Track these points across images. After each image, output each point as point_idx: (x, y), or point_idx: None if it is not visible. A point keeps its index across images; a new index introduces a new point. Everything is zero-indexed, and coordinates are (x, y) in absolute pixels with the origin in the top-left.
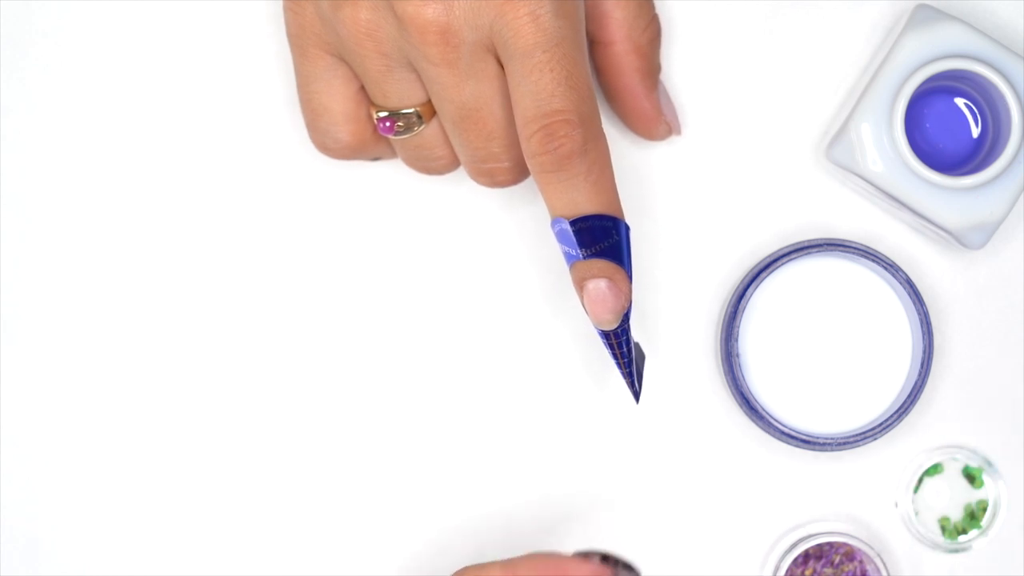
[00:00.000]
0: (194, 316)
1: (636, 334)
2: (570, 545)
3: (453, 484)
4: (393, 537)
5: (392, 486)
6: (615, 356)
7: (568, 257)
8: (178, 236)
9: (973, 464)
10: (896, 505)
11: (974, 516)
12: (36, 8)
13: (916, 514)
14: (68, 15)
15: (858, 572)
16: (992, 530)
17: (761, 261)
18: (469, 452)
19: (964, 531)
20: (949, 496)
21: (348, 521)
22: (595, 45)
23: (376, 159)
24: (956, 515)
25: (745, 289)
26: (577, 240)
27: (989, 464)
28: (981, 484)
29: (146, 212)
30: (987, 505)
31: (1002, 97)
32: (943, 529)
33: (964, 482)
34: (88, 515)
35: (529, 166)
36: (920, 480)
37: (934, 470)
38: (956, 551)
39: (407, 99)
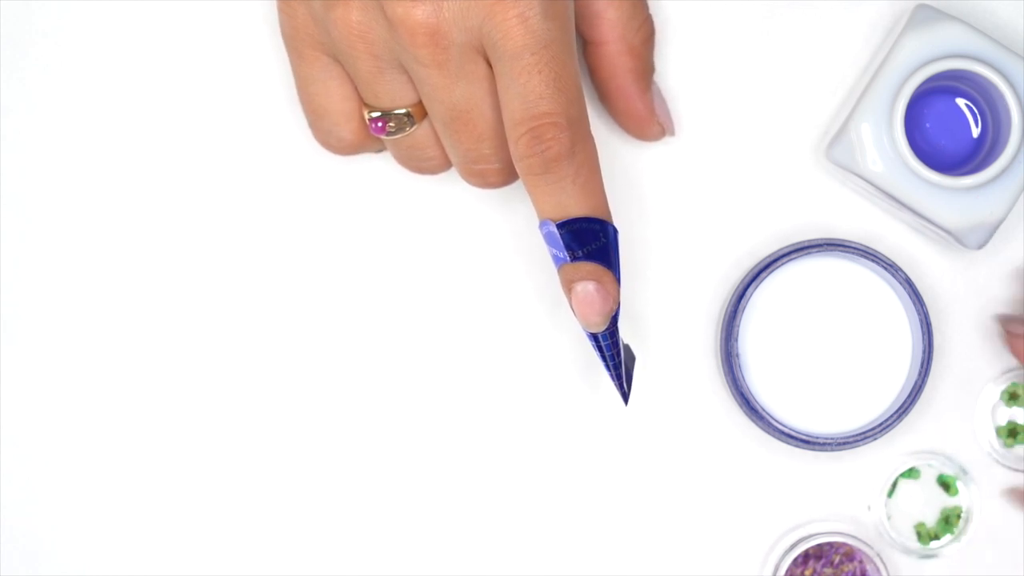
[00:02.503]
0: (193, 316)
1: (636, 335)
2: (569, 546)
3: (446, 485)
4: (388, 537)
5: (383, 484)
6: (603, 358)
7: (556, 259)
8: (176, 236)
9: (948, 472)
10: (868, 508)
11: (948, 521)
12: (36, 8)
13: (888, 518)
14: (68, 15)
15: (858, 572)
16: (965, 536)
17: (761, 261)
18: (465, 453)
19: (937, 536)
20: (924, 501)
21: (342, 520)
22: (588, 45)
23: (380, 151)
24: (931, 520)
25: (745, 289)
26: (565, 242)
27: (964, 472)
28: (955, 492)
29: (145, 211)
30: (961, 512)
31: (1002, 97)
32: (919, 535)
33: (939, 488)
34: (88, 515)
35: (517, 168)
36: (895, 484)
37: (910, 474)
38: (929, 557)
39: (398, 100)
